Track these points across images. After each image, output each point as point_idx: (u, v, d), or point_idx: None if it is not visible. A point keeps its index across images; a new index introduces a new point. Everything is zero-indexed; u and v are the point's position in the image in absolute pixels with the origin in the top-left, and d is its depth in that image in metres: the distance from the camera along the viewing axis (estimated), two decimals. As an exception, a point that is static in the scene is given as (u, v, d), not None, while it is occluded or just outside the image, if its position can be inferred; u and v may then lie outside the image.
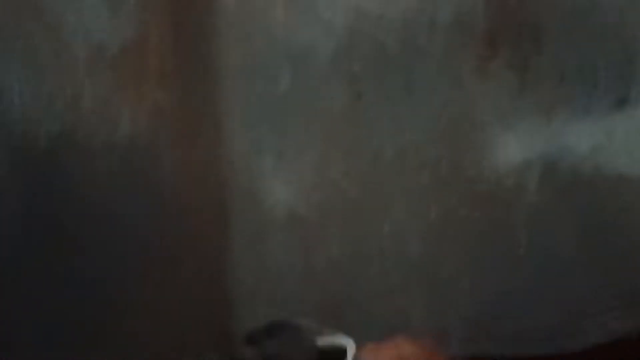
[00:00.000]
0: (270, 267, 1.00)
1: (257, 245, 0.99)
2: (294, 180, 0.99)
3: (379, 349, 0.88)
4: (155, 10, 0.93)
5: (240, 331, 0.88)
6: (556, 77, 0.94)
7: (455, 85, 0.94)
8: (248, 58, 0.93)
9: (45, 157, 0.95)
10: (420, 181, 0.99)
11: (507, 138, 0.96)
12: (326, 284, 1.01)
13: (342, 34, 0.92)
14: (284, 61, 0.93)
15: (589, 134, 0.95)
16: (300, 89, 0.95)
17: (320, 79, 0.94)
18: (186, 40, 0.94)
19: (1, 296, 0.91)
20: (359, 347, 0.72)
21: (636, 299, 1.00)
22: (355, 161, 0.98)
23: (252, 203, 0.99)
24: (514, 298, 1.01)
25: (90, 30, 0.93)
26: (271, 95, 0.95)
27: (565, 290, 1.00)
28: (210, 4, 0.91)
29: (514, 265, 1.01)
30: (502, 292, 1.01)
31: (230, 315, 0.99)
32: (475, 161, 0.98)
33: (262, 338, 0.76)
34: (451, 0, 0.91)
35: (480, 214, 1.00)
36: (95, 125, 0.95)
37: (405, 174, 0.99)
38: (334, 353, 0.72)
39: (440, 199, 1.00)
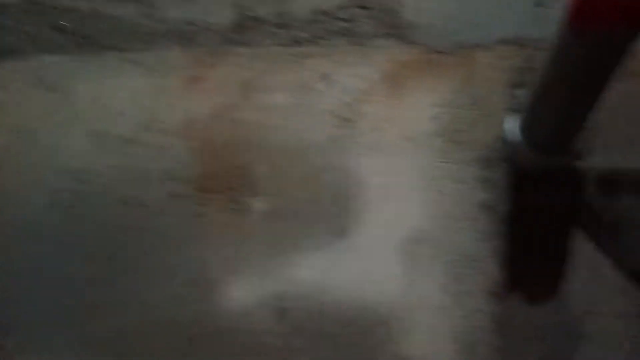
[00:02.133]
0: None
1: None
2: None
3: None
4: None
5: None
6: (274, 215, 0.98)
7: (175, 233, 0.97)
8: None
9: None
10: (169, 342, 0.97)
11: (238, 282, 0.98)
12: None
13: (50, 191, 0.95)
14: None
15: (315, 265, 0.99)
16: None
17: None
18: None
19: None
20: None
21: None
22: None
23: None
24: None
25: None
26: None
27: None
28: None
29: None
30: None
31: None
32: (214, 312, 0.98)
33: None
34: (161, 152, 0.96)
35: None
36: None
37: (154, 334, 0.97)
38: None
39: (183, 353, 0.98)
